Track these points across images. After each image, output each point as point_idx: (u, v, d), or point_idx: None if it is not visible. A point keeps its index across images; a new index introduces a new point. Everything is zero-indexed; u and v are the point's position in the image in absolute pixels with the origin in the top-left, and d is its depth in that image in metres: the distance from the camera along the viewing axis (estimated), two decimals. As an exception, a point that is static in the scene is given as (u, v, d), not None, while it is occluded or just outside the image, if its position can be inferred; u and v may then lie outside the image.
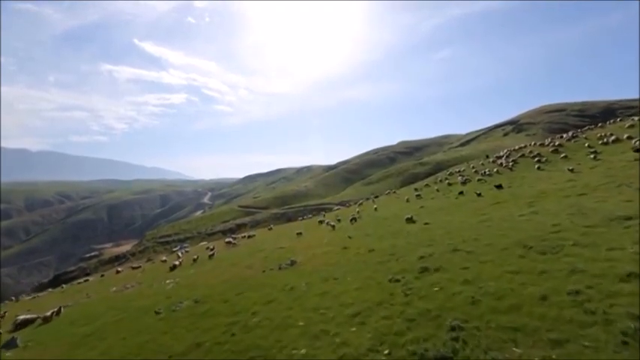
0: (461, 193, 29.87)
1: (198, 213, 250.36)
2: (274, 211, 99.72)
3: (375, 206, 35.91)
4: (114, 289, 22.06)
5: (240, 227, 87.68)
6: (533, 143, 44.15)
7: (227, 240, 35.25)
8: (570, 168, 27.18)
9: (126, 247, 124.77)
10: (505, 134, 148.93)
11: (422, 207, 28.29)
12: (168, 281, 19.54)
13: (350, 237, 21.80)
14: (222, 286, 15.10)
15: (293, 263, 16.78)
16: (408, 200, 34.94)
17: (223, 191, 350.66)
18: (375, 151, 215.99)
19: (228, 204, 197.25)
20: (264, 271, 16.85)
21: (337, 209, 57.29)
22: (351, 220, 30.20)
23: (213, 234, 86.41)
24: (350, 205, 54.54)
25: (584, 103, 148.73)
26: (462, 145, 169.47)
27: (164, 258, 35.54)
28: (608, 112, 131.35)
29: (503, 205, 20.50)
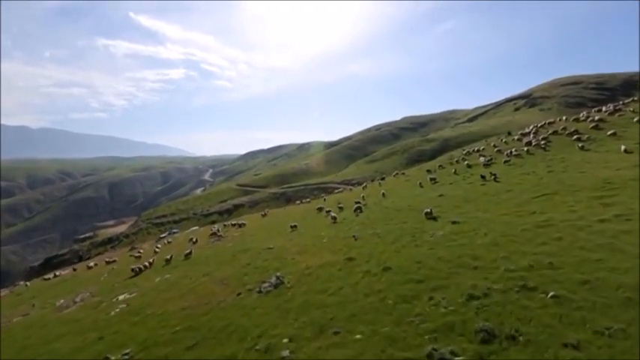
0: (486, 177, 25.01)
1: (199, 190, 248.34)
2: (273, 190, 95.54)
3: (382, 191, 31.13)
4: (61, 301, 17.93)
5: (237, 208, 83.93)
6: (564, 118, 38.44)
7: (212, 231, 30.97)
8: (625, 148, 22.07)
9: (124, 227, 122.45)
10: (516, 109, 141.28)
11: (441, 195, 23.48)
12: (121, 297, 15.28)
13: (355, 238, 17.21)
14: (174, 322, 10.71)
15: (278, 284, 12.26)
16: (421, 185, 30.08)
17: (224, 168, 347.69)
18: (378, 127, 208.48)
19: (229, 181, 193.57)
20: (239, 294, 12.41)
21: (339, 191, 52.75)
22: (356, 209, 25.56)
23: (210, 215, 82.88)
24: (353, 188, 49.80)
25: (601, 76, 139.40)
26: (470, 120, 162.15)
27: (140, 252, 31.24)
28: (629, 85, 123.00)
29: (555, 199, 15.64)
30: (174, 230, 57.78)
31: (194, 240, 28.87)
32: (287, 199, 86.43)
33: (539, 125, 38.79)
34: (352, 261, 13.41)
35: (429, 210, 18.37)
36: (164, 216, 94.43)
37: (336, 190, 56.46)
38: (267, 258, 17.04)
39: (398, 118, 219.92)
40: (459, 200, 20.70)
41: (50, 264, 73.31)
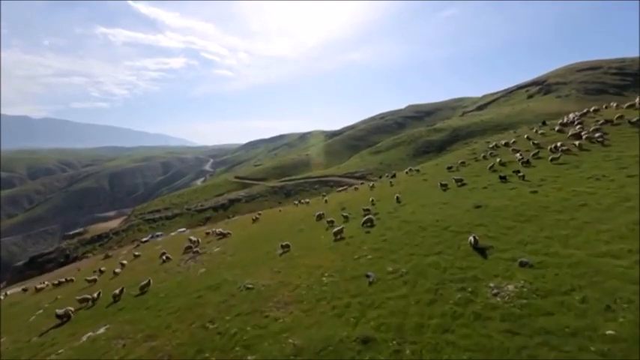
0: (507, 178, 19.38)
1: (199, 181, 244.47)
2: (272, 184, 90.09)
3: (396, 195, 25.41)
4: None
5: (233, 203, 78.77)
6: (614, 105, 32.29)
7: (188, 244, 25.57)
8: None
9: (122, 220, 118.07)
10: (530, 96, 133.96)
11: (479, 207, 17.74)
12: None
13: (369, 280, 11.73)
14: None
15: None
16: (445, 187, 24.31)
17: (225, 158, 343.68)
18: (382, 116, 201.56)
19: (229, 172, 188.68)
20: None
21: (342, 189, 47.14)
22: (365, 223, 19.96)
23: (204, 210, 77.88)
24: (358, 186, 44.01)
25: (622, 60, 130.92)
26: (479, 108, 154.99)
27: (101, 270, 25.66)
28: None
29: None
30: (158, 233, 52.80)
31: (165, 257, 23.55)
32: (286, 194, 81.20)
33: (580, 113, 32.67)
34: (371, 347, 7.92)
35: (474, 238, 12.74)
36: (157, 211, 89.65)
37: (339, 188, 50.85)
38: (240, 311, 11.60)
39: (402, 106, 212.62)
40: (510, 217, 15.02)
41: (35, 263, 68.97)
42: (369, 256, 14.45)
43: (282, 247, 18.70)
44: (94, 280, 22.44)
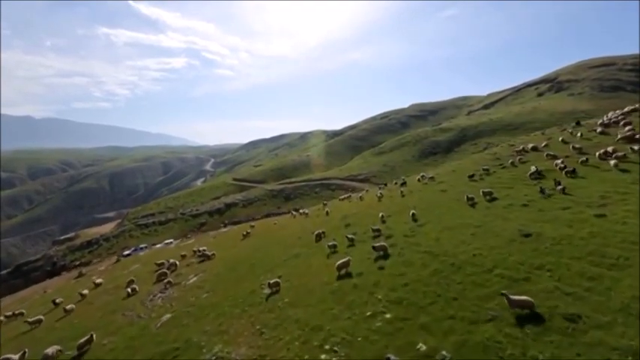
0: (546, 192, 14.99)
1: (200, 181, 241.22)
2: (271, 187, 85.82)
3: (411, 211, 21.07)
4: None
5: (229, 207, 74.65)
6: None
7: (163, 270, 21.40)
8: None
9: (114, 224, 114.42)
10: (540, 94, 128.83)
11: (528, 236, 13.42)
12: None
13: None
14: None
15: None
16: (472, 203, 19.95)
17: (226, 158, 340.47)
18: (385, 115, 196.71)
19: (229, 172, 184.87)
20: None
21: (346, 197, 42.80)
22: (378, 250, 15.70)
23: (199, 215, 73.80)
24: (364, 194, 39.57)
25: (636, 56, 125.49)
26: (486, 107, 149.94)
27: (56, 302, 20.92)
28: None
29: None
30: (142, 246, 48.76)
31: (130, 290, 19.40)
32: (285, 197, 77.01)
33: (621, 112, 28.18)
34: None
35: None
36: (152, 215, 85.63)
37: (342, 196, 46.49)
38: None
39: (404, 106, 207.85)
40: (583, 257, 10.70)
41: (20, 272, 65.19)
42: (387, 315, 10.21)
43: (270, 285, 14.46)
44: (39, 322, 18.23)
